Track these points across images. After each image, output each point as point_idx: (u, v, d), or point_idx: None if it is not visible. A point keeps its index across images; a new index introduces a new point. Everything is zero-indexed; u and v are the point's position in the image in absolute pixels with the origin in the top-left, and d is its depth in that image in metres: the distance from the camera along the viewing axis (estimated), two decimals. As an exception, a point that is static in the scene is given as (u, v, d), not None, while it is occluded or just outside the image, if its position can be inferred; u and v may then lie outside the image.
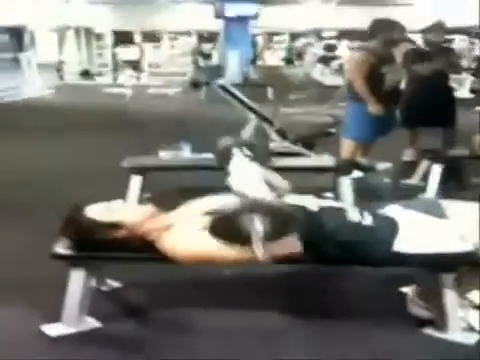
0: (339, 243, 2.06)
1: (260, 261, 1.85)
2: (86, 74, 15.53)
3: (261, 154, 2.70)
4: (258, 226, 1.81)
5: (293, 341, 2.19)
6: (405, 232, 2.09)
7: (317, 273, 2.57)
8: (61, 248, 2.19)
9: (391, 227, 2.11)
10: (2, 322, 2.30)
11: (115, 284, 2.58)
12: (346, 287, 2.64)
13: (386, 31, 4.55)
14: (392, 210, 2.23)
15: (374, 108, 4.41)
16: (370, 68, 4.43)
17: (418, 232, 2.11)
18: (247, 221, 1.83)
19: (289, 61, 23.48)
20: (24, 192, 4.32)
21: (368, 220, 2.13)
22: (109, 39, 19.24)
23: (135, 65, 16.18)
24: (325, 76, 14.62)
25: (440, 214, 2.19)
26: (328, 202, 2.26)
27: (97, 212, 2.18)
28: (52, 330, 2.19)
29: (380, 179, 4.53)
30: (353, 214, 2.14)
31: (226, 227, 1.88)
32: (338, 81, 10.70)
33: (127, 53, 17.64)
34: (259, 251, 1.81)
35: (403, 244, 2.07)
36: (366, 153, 4.78)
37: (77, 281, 2.21)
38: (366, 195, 4.07)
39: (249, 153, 2.59)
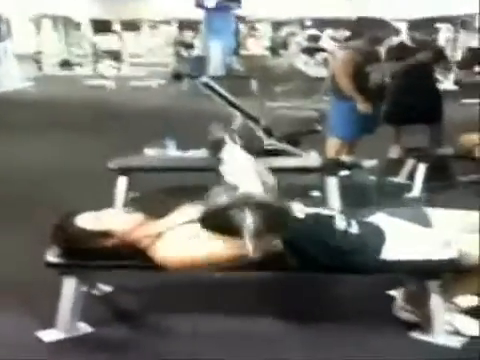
0: (325, 251, 2.10)
1: (247, 263, 1.87)
2: (66, 64, 15.20)
3: (253, 144, 2.75)
4: (249, 221, 1.84)
5: (283, 344, 2.22)
6: (391, 240, 2.13)
7: (305, 277, 2.59)
8: (52, 256, 2.21)
9: (378, 235, 2.15)
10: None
11: (106, 288, 2.59)
12: (334, 290, 2.67)
13: (372, 29, 4.59)
14: (378, 218, 2.27)
15: (363, 106, 4.44)
16: (356, 67, 4.46)
17: (404, 240, 2.14)
18: (239, 215, 1.85)
19: (273, 51, 23.44)
20: (6, 191, 4.29)
21: (355, 228, 2.16)
22: (88, 28, 19.00)
23: (115, 55, 15.93)
24: (309, 67, 14.62)
25: (425, 222, 2.23)
26: (314, 209, 2.27)
27: (87, 221, 2.18)
28: (47, 335, 2.21)
29: (366, 177, 4.58)
30: (340, 222, 2.17)
31: (217, 220, 1.91)
32: (322, 72, 10.73)
33: (106, 42, 17.38)
34: (250, 246, 1.83)
35: (389, 252, 2.11)
36: (352, 151, 4.82)
37: (69, 288, 2.23)
38: (352, 193, 4.14)
39: (241, 142, 2.65)
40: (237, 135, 2.76)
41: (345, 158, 4.65)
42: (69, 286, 2.23)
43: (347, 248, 2.11)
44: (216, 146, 2.69)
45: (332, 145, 4.70)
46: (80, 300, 2.27)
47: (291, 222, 2.15)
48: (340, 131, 4.67)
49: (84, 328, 2.27)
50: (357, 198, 4.03)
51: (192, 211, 2.20)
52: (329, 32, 21.63)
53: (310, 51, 15.36)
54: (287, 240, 2.12)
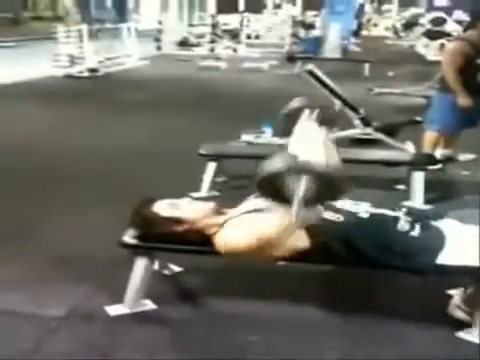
0: (382, 251, 2.13)
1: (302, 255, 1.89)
2: (184, 44, 15.51)
3: (330, 117, 2.79)
4: (301, 188, 1.89)
5: (331, 335, 2.28)
6: (452, 245, 2.12)
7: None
8: (128, 238, 2.39)
9: (438, 240, 2.15)
10: (73, 299, 2.53)
11: (176, 269, 2.75)
12: (393, 284, 2.66)
13: None
14: (446, 223, 2.24)
15: (463, 101, 4.26)
16: (465, 59, 4.27)
17: (466, 246, 2.11)
18: (293, 182, 1.91)
19: (396, 32, 22.70)
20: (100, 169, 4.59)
21: (416, 231, 2.17)
22: (213, 7, 19.35)
23: (234, 35, 16.11)
24: (429, 50, 13.98)
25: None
26: (383, 211, 2.28)
27: (163, 207, 2.34)
28: (113, 310, 2.39)
29: (459, 171, 4.42)
30: (403, 224, 2.19)
31: (271, 184, 1.97)
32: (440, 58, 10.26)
33: (228, 21, 17.60)
34: (294, 214, 1.88)
35: (447, 257, 2.10)
36: (450, 144, 4.66)
37: (140, 268, 2.39)
38: (441, 187, 4.03)
39: (318, 116, 2.70)
40: (318, 107, 2.79)
41: (441, 152, 4.51)
42: (140, 266, 2.39)
43: (403, 250, 2.14)
44: (291, 118, 2.75)
45: (429, 138, 4.56)
46: (148, 279, 2.43)
47: (352, 220, 2.20)
48: (439, 124, 4.51)
49: (149, 305, 2.42)
50: (444, 193, 3.93)
51: (258, 201, 2.32)
52: (458, 15, 20.56)
53: (433, 34, 14.61)
54: (346, 237, 2.17)
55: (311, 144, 2.19)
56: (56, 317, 2.37)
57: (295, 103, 2.86)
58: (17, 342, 2.19)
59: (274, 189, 1.99)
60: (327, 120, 2.74)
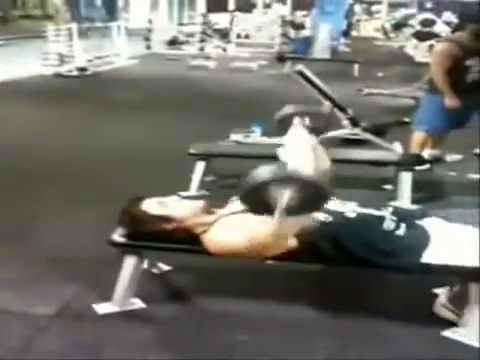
0: (368, 249, 2.17)
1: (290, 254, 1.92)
2: (173, 43, 15.43)
3: (321, 124, 2.81)
4: (284, 198, 1.89)
5: (321, 335, 2.30)
6: (437, 244, 2.16)
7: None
8: (117, 236, 2.40)
9: (422, 239, 2.18)
10: (63, 297, 2.54)
11: (165, 268, 2.76)
12: (380, 283, 2.70)
13: (477, 21, 4.39)
14: (431, 222, 2.27)
15: (450, 102, 4.30)
16: (454, 60, 4.29)
17: (451, 245, 2.16)
18: (276, 191, 1.91)
19: (385, 33, 22.80)
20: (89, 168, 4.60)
21: (401, 230, 2.21)
22: (203, 6, 19.28)
23: (224, 34, 16.08)
24: (418, 52, 14.07)
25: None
26: (369, 211, 2.31)
27: (152, 205, 2.35)
28: (101, 308, 2.41)
29: (445, 172, 4.47)
30: (388, 223, 2.23)
31: (256, 196, 1.96)
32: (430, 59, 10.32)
33: (218, 21, 17.57)
34: (276, 222, 1.88)
35: (432, 256, 2.14)
36: (438, 145, 4.70)
37: (129, 266, 2.41)
38: (429, 187, 4.08)
39: (310, 122, 2.72)
40: (310, 114, 2.81)
41: (429, 152, 4.55)
42: (129, 264, 2.40)
43: (388, 249, 2.18)
44: (282, 125, 2.77)
45: (417, 138, 4.60)
46: (137, 277, 2.44)
47: (339, 220, 2.24)
48: (427, 125, 4.56)
49: (137, 304, 2.44)
50: (431, 193, 3.98)
51: None
52: (447, 16, 20.69)
53: (422, 36, 14.70)
54: (334, 236, 2.20)
55: (300, 152, 2.20)
56: (46, 315, 2.38)
57: (287, 109, 2.88)
58: (7, 340, 2.20)
59: (258, 200, 1.97)
60: (318, 126, 2.77)
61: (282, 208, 1.91)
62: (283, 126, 2.74)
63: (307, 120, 2.75)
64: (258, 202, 1.98)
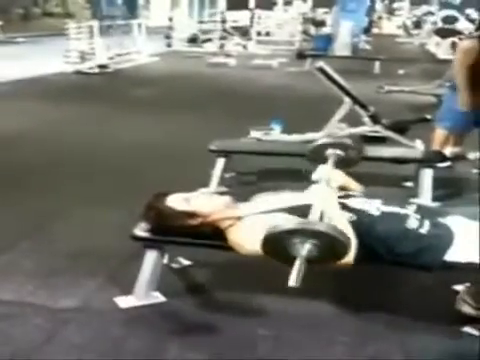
0: (392, 246, 2.15)
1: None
2: (194, 40, 15.46)
3: (353, 155, 2.78)
4: (303, 251, 1.84)
5: (341, 330, 2.30)
6: (460, 242, 2.13)
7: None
8: (139, 231, 2.42)
9: (446, 237, 2.15)
10: (85, 291, 2.58)
11: (186, 262, 2.78)
12: (402, 280, 2.69)
13: None
14: (454, 220, 2.25)
15: (464, 102, 4.24)
16: (478, 58, 4.24)
17: (474, 241, 2.12)
18: (296, 243, 1.85)
19: (406, 30, 22.62)
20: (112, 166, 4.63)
21: (425, 228, 2.18)
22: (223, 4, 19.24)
23: (244, 32, 16.07)
24: (440, 49, 13.93)
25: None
26: (394, 209, 2.29)
27: (176, 201, 2.36)
28: (123, 302, 2.44)
29: (467, 169, 4.43)
30: (412, 221, 2.20)
31: (275, 244, 1.92)
32: (452, 56, 10.22)
33: (238, 18, 17.56)
34: (294, 276, 1.80)
35: (455, 254, 2.11)
36: (460, 143, 4.64)
37: (151, 260, 2.43)
38: (450, 185, 4.04)
39: (342, 153, 2.70)
40: (341, 146, 2.78)
41: (450, 150, 4.50)
42: (150, 258, 2.43)
43: (413, 247, 2.15)
44: (315, 157, 2.77)
45: (439, 135, 4.55)
46: (158, 271, 2.47)
47: (363, 218, 2.21)
48: (449, 122, 4.50)
49: (158, 298, 2.46)
50: (452, 191, 3.94)
51: (273, 199, 2.35)
52: (470, 13, 20.43)
53: (444, 33, 14.53)
54: (358, 235, 2.18)
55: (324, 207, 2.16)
56: (68, 309, 2.41)
57: (319, 141, 2.87)
58: (29, 333, 2.23)
59: (277, 247, 1.92)
60: (348, 160, 2.74)
61: (302, 261, 1.85)
62: (316, 158, 2.74)
63: (339, 152, 2.72)
64: (277, 250, 1.94)
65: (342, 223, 2.10)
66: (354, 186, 2.54)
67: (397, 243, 2.16)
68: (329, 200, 2.23)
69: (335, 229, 1.87)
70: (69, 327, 2.29)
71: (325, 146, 2.76)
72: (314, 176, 2.47)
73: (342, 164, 2.66)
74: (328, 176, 2.42)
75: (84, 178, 4.23)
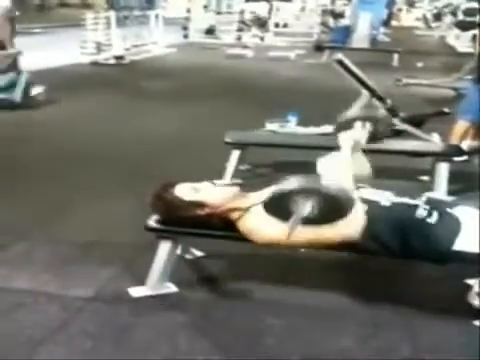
0: (400, 238, 2.15)
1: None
2: (211, 32, 15.45)
3: (382, 129, 2.78)
4: (304, 209, 1.87)
5: (351, 322, 2.30)
6: (469, 232, 2.11)
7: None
8: (152, 222, 2.42)
9: (454, 226, 2.14)
10: (98, 281, 2.59)
11: (198, 253, 2.79)
12: (413, 273, 2.69)
13: None
14: (463, 210, 2.23)
15: None
16: None
17: None
18: (298, 202, 1.88)
19: (426, 23, 22.37)
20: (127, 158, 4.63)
21: (434, 218, 2.16)
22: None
23: (261, 23, 15.98)
24: (460, 42, 13.76)
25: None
26: (404, 199, 2.28)
27: (184, 191, 2.34)
28: (136, 291, 2.45)
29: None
30: (421, 211, 2.19)
31: (279, 204, 1.94)
32: (472, 49, 10.09)
33: (256, 9, 17.46)
34: (288, 230, 1.87)
35: (464, 243, 2.10)
36: (479, 136, 4.59)
37: (164, 251, 2.44)
38: (466, 179, 3.99)
39: (370, 127, 2.70)
40: (370, 119, 2.79)
41: (468, 143, 4.45)
42: (164, 249, 2.43)
43: (421, 236, 2.14)
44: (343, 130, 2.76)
45: (459, 127, 4.50)
46: (171, 262, 2.47)
47: (375, 210, 2.20)
48: (472, 114, 4.45)
49: (171, 288, 2.47)
50: (469, 184, 3.89)
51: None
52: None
53: (465, 25, 14.32)
54: (369, 226, 2.17)
55: (337, 164, 2.21)
56: (81, 298, 2.43)
57: (349, 114, 2.86)
58: (45, 321, 2.25)
59: (279, 207, 1.95)
60: (378, 132, 2.75)
61: (299, 218, 1.89)
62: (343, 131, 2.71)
63: (368, 125, 2.71)
64: (279, 209, 1.97)
65: (348, 186, 2.10)
66: (366, 167, 2.50)
67: (406, 233, 2.15)
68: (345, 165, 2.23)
69: (334, 186, 1.89)
70: (82, 315, 2.31)
71: (354, 119, 2.74)
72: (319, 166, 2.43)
73: (371, 137, 2.65)
74: (353, 142, 2.44)
75: (99, 167, 4.26)
